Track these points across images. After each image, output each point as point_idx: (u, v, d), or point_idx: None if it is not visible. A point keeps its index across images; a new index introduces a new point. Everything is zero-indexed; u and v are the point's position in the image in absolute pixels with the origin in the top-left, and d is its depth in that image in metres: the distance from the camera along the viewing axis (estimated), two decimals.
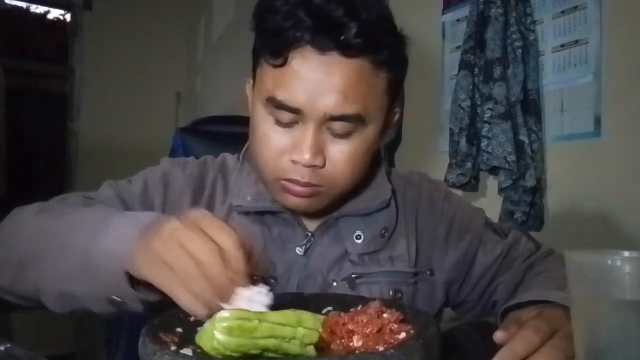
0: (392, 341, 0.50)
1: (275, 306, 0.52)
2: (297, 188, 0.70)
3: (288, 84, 0.66)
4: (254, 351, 0.46)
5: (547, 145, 1.65)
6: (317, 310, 0.57)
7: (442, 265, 0.82)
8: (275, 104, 0.67)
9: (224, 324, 0.45)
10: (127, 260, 0.54)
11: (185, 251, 0.50)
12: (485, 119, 1.66)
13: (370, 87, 0.68)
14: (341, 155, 0.70)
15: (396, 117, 0.79)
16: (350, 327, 0.52)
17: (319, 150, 0.68)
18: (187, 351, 0.46)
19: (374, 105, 0.70)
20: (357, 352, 0.50)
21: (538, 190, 1.61)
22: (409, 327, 0.52)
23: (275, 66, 0.67)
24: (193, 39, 3.73)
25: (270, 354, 0.47)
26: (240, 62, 1.27)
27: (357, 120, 0.68)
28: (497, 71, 1.64)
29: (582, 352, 0.43)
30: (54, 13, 3.70)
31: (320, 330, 0.50)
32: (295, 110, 0.67)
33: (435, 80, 2.02)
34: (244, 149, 0.84)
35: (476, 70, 1.73)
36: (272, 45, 0.67)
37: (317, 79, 0.65)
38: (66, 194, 0.77)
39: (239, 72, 1.09)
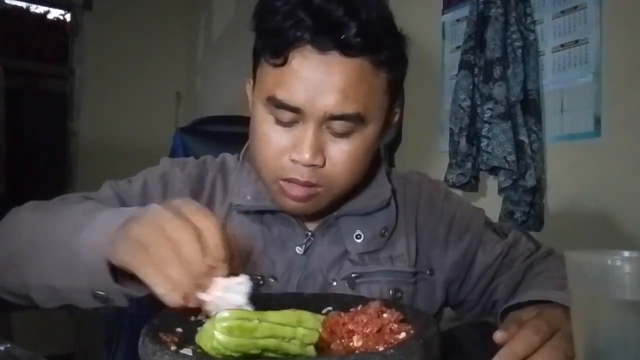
0: (392, 341, 0.50)
1: (275, 306, 0.52)
2: (295, 192, 0.70)
3: (288, 84, 0.66)
4: (254, 351, 0.46)
5: (547, 145, 1.65)
6: (317, 310, 0.57)
7: (442, 264, 0.82)
8: (275, 104, 0.68)
9: (224, 324, 0.45)
10: (108, 248, 0.53)
11: (162, 233, 0.49)
12: (485, 119, 1.66)
13: (370, 87, 0.68)
14: (341, 154, 0.70)
15: (396, 117, 0.79)
16: (350, 327, 0.52)
17: (319, 149, 0.68)
18: (187, 351, 0.46)
19: (374, 105, 0.70)
20: (357, 352, 0.50)
21: (538, 190, 1.61)
22: (409, 327, 0.52)
23: (275, 66, 0.67)
24: (193, 39, 3.73)
25: (270, 354, 0.47)
26: (240, 62, 1.27)
27: (357, 120, 0.68)
28: (497, 71, 1.64)
29: (582, 352, 0.43)
30: (54, 13, 3.71)
31: (320, 330, 0.50)
32: (295, 110, 0.67)
33: (435, 80, 2.02)
34: (244, 148, 0.84)
35: (476, 70, 1.73)
36: (273, 45, 0.67)
37: (317, 78, 0.65)
38: (67, 194, 0.78)
39: (239, 72, 1.09)
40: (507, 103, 1.62)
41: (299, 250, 0.77)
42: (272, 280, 0.75)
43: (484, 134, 1.66)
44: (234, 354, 0.45)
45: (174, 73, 3.70)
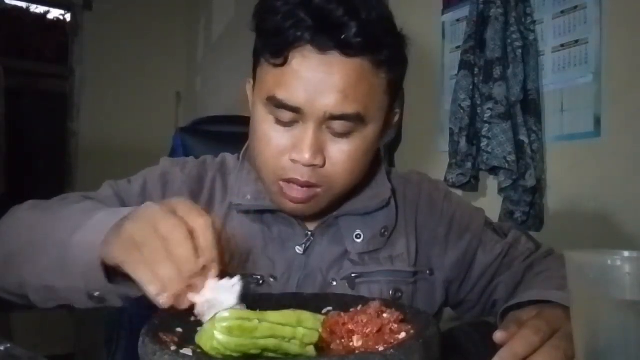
0: (392, 341, 0.50)
1: (275, 306, 0.52)
2: (295, 194, 0.70)
3: (288, 84, 0.66)
4: (254, 351, 0.46)
5: (547, 145, 1.65)
6: (317, 310, 0.57)
7: (441, 264, 0.82)
8: (275, 104, 0.68)
9: (224, 324, 0.45)
10: (102, 247, 0.53)
11: (155, 232, 0.49)
12: (485, 119, 1.66)
13: (370, 87, 0.68)
14: (341, 154, 0.70)
15: (396, 117, 0.79)
16: (350, 327, 0.52)
17: (319, 149, 0.68)
18: (187, 351, 0.46)
19: (374, 105, 0.70)
20: (357, 352, 0.50)
21: (538, 190, 1.61)
22: (409, 327, 0.52)
23: (275, 66, 0.67)
24: (193, 39, 3.73)
25: (270, 354, 0.47)
26: (240, 62, 1.27)
27: (357, 120, 0.68)
28: (497, 71, 1.64)
29: (582, 352, 0.43)
30: (54, 13, 3.70)
31: (320, 330, 0.50)
32: (295, 110, 0.67)
33: (435, 80, 2.02)
34: (244, 148, 0.84)
35: (476, 70, 1.73)
36: (273, 45, 0.67)
37: (317, 78, 0.65)
38: (66, 194, 0.78)
39: (239, 72, 1.09)
40: (507, 103, 1.62)
41: (298, 250, 0.77)
42: (271, 280, 0.75)
43: (484, 134, 1.66)
44: (234, 354, 0.45)
45: (174, 73, 3.70)
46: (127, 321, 0.98)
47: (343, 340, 0.51)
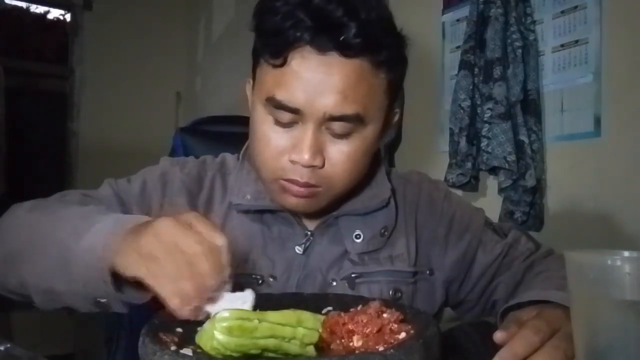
0: (392, 341, 0.50)
1: (275, 306, 0.52)
2: (296, 188, 0.70)
3: (288, 84, 0.66)
4: (254, 351, 0.46)
5: (547, 145, 1.65)
6: (317, 310, 0.57)
7: (441, 264, 0.82)
8: (274, 104, 0.67)
9: (224, 324, 0.45)
10: (111, 254, 0.54)
11: (176, 247, 0.51)
12: (485, 119, 1.66)
13: (370, 87, 0.68)
14: (340, 155, 0.70)
15: (396, 117, 0.79)
16: (350, 327, 0.52)
17: (319, 150, 0.68)
18: (187, 351, 0.46)
19: (373, 106, 0.70)
20: (357, 352, 0.50)
21: (538, 190, 1.61)
22: (409, 327, 0.52)
23: (275, 66, 0.67)
24: (193, 39, 3.73)
25: (270, 354, 0.47)
26: (240, 62, 1.27)
27: (356, 121, 0.68)
28: (497, 71, 1.64)
29: (582, 352, 0.43)
30: (54, 13, 3.70)
31: (320, 330, 0.50)
32: (294, 111, 0.67)
33: (435, 80, 2.02)
34: (244, 148, 0.84)
35: (476, 70, 1.73)
36: (272, 46, 0.67)
37: (316, 79, 0.65)
38: (66, 190, 0.78)
39: (239, 72, 1.09)
40: (507, 103, 1.62)
41: (298, 249, 0.77)
42: (271, 279, 0.75)
43: (484, 134, 1.66)
44: (234, 354, 0.45)
45: (174, 73, 3.70)
46: (127, 321, 0.98)
47: (343, 340, 0.51)
